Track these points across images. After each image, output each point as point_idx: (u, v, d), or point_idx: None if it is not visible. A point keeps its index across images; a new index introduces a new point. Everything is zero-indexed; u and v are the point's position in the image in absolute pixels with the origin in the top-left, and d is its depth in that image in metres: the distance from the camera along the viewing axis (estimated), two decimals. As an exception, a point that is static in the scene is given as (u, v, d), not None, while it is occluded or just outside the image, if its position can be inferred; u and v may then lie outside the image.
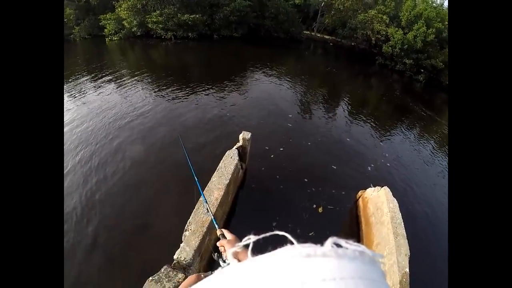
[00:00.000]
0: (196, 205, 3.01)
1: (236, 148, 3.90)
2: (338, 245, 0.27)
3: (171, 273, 2.49)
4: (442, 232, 4.83)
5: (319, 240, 0.27)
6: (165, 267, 2.53)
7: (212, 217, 1.70)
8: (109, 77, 9.85)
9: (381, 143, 7.43)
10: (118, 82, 9.40)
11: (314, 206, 4.54)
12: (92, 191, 4.47)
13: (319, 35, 24.38)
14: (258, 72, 11.98)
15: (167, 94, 8.55)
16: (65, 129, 6.30)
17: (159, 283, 2.40)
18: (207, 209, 1.73)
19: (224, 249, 1.22)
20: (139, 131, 6.28)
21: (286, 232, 0.34)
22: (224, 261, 1.30)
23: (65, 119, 6.75)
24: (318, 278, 0.22)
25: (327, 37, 23.93)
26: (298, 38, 22.10)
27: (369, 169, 5.95)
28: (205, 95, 8.66)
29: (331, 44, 22.84)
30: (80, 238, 3.69)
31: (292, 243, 0.29)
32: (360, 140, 7.17)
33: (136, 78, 9.83)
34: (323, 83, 11.94)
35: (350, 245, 0.27)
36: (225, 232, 1.30)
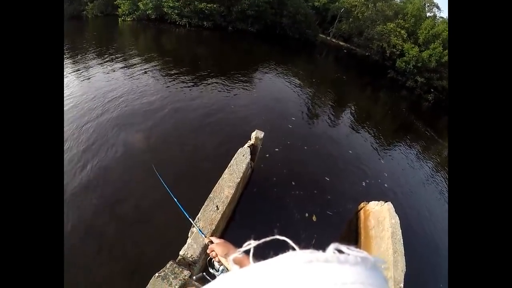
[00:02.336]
0: (206, 201, 2.97)
1: (248, 146, 3.86)
2: (340, 251, 0.27)
3: (176, 269, 2.42)
4: (432, 251, 4.86)
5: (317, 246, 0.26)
6: (170, 262, 2.47)
7: (197, 228, 1.73)
8: (117, 57, 9.79)
9: (380, 158, 7.34)
10: (126, 63, 9.32)
11: (307, 215, 4.49)
12: (92, 171, 4.47)
13: (334, 40, 24.31)
14: (268, 69, 11.91)
15: (174, 80, 8.49)
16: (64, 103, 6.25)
17: (165, 280, 2.34)
18: (191, 220, 1.71)
19: (215, 254, 1.18)
20: (142, 116, 6.24)
21: (286, 236, 0.35)
22: (216, 270, 1.29)
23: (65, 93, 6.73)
24: (321, 284, 0.22)
25: (342, 43, 23.88)
26: (312, 41, 21.98)
27: (364, 184, 5.84)
28: (211, 86, 8.60)
29: (344, 51, 22.75)
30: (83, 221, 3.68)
31: (293, 248, 0.30)
32: (360, 152, 7.07)
33: (144, 61, 9.75)
34: (331, 89, 11.81)
35: (352, 251, 0.27)
36: (213, 238, 1.28)
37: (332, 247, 0.28)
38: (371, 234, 4.15)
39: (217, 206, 2.92)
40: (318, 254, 0.26)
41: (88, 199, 3.99)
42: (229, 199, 3.06)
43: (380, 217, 4.13)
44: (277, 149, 5.91)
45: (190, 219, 1.78)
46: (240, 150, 3.71)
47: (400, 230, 3.70)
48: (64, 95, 6.84)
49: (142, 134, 5.58)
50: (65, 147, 4.92)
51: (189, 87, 8.24)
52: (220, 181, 3.21)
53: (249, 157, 3.63)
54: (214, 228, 2.79)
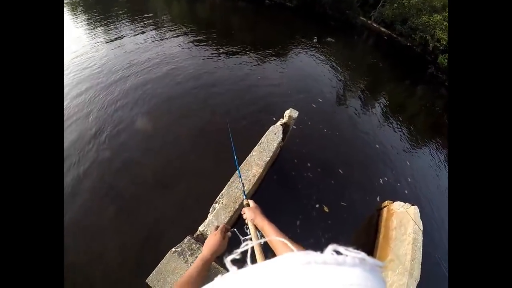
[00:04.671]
0: (232, 177, 2.79)
1: (280, 124, 3.62)
2: (338, 252, 0.27)
3: (193, 245, 2.29)
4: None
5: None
6: (188, 238, 2.34)
7: (244, 190, 1.65)
8: (148, 23, 9.64)
9: (405, 157, 6.70)
10: (157, 29, 9.18)
11: (317, 205, 4.24)
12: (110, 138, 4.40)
13: (375, 25, 22.88)
14: (302, 47, 11.35)
15: (204, 50, 8.24)
16: (91, 64, 6.30)
17: (181, 256, 2.23)
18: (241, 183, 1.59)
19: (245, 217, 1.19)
20: (169, 83, 6.12)
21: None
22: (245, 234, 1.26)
23: (93, 55, 6.76)
24: (318, 286, 0.22)
25: (383, 29, 22.43)
26: (352, 23, 20.78)
27: (381, 181, 5.38)
28: (241, 58, 8.27)
29: (385, 37, 21.33)
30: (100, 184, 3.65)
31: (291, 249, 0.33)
32: (384, 146, 6.53)
33: (176, 28, 9.56)
34: (365, 75, 11.06)
35: (350, 252, 0.27)
36: (251, 202, 1.30)
37: (330, 248, 0.28)
38: (391, 235, 3.97)
39: (243, 184, 2.73)
40: (316, 255, 0.26)
41: (111, 160, 3.97)
42: (256, 178, 2.85)
43: (404, 220, 3.93)
44: (294, 127, 5.59)
45: (240, 179, 1.72)
46: (272, 127, 3.48)
47: (422, 238, 3.50)
48: (92, 57, 6.90)
49: (166, 102, 5.49)
50: (88, 109, 4.92)
51: (219, 57, 7.98)
52: (248, 158, 3.00)
53: (281, 136, 3.39)
54: (237, 207, 2.60)
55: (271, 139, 3.29)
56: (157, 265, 2.22)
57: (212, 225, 2.48)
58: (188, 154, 4.28)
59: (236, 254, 0.40)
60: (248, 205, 1.30)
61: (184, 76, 6.54)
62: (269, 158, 3.06)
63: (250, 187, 2.80)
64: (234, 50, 8.71)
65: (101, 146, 4.28)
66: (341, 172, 5.07)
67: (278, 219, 3.51)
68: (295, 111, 3.83)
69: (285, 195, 4.07)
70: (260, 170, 2.91)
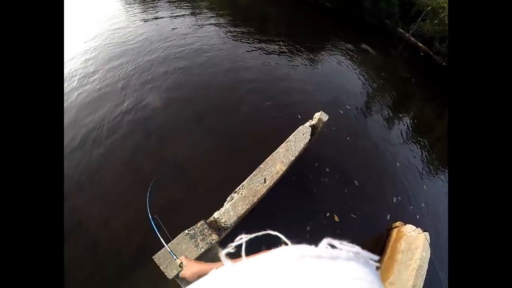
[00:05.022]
0: (255, 171, 2.74)
1: (309, 126, 3.53)
2: (333, 246, 0.27)
3: (206, 231, 2.29)
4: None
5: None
6: (201, 222, 2.34)
7: (169, 250, 1.61)
8: (187, 7, 9.58)
9: (424, 181, 6.44)
10: (196, 15, 9.11)
11: (328, 214, 4.16)
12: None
13: (412, 39, 22.13)
14: (335, 49, 11.06)
15: (240, 40, 8.13)
16: (130, 39, 6.40)
17: (193, 240, 2.23)
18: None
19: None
20: (199, 66, 6.10)
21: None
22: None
23: (133, 31, 6.86)
24: (312, 279, 0.22)
25: (420, 44, 21.68)
26: (389, 33, 20.19)
27: (394, 200, 5.19)
28: (275, 53, 8.11)
29: (421, 53, 20.73)
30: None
31: (286, 243, 0.30)
32: (403, 166, 6.28)
33: (214, 15, 9.42)
34: (396, 89, 10.70)
35: (344, 246, 0.27)
36: (183, 259, 1.18)
37: (324, 241, 0.28)
38: (397, 258, 3.88)
39: (265, 179, 2.68)
40: (311, 249, 0.26)
41: (136, 133, 4.02)
42: (279, 175, 2.81)
43: (413, 245, 3.84)
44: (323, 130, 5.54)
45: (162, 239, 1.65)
46: (301, 127, 3.40)
47: (427, 266, 3.41)
48: (132, 32, 7.00)
49: (197, 87, 5.46)
50: (121, 82, 4.99)
51: (254, 48, 7.88)
52: (274, 154, 2.95)
53: (309, 137, 3.31)
54: (255, 200, 2.58)
55: (299, 139, 3.22)
56: (166, 243, 2.24)
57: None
58: (212, 140, 4.27)
59: (231, 248, 0.38)
60: (181, 267, 1.17)
61: (218, 64, 6.48)
62: (294, 158, 3.01)
63: (272, 183, 2.73)
64: (269, 43, 8.55)
65: (127, 118, 4.32)
66: (357, 183, 4.95)
67: (289, 221, 3.47)
68: (326, 114, 3.73)
69: (300, 198, 4.02)
70: (284, 168, 2.85)
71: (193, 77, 5.70)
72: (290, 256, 0.25)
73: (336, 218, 4.21)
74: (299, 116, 5.38)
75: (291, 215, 3.60)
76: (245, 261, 0.27)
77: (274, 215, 3.52)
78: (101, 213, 3.18)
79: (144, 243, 2.94)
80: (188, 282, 1.22)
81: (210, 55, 6.72)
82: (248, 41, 8.13)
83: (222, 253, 0.35)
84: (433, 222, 5.38)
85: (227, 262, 0.31)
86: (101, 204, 3.27)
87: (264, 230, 0.39)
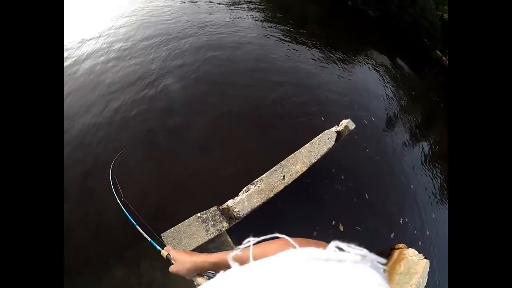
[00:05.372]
0: (276, 166, 2.70)
1: (335, 131, 3.46)
2: (341, 249, 0.28)
3: (217, 217, 2.27)
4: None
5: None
6: (214, 208, 2.32)
7: (150, 239, 1.24)
8: None
9: (436, 207, 6.35)
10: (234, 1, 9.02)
11: (333, 222, 4.09)
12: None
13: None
14: (369, 60, 10.77)
15: (277, 32, 8.02)
16: (167, 13, 6.39)
17: (204, 224, 2.21)
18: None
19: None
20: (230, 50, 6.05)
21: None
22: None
23: (171, 5, 6.85)
24: (318, 282, 0.22)
25: (455, 69, 21.13)
26: (427, 53, 19.61)
27: (401, 221, 5.06)
28: (309, 52, 7.96)
29: (454, 79, 20.20)
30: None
31: (294, 246, 0.31)
32: (417, 189, 6.08)
33: (255, 3, 9.34)
34: (424, 110, 10.37)
35: (352, 249, 0.27)
36: (169, 250, 0.96)
37: (332, 244, 0.29)
38: (394, 278, 3.82)
39: (284, 176, 2.64)
40: (318, 251, 0.26)
41: (160, 110, 4.03)
42: (298, 174, 2.76)
43: (412, 269, 3.77)
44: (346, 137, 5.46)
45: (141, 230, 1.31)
46: (327, 131, 3.32)
47: None
48: (169, 6, 7.00)
49: (230, 72, 5.44)
50: (152, 55, 5.03)
51: (288, 44, 7.75)
52: (297, 153, 2.90)
53: (333, 143, 3.24)
54: (271, 196, 2.54)
55: (323, 142, 3.15)
56: (175, 223, 2.23)
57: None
58: (236, 129, 4.24)
59: (238, 250, 0.39)
60: (169, 260, 0.95)
61: (251, 53, 6.40)
62: (315, 160, 2.96)
63: (290, 181, 2.69)
64: (304, 41, 8.40)
65: (154, 92, 4.34)
66: (367, 196, 4.88)
67: (297, 223, 3.43)
68: (353, 123, 3.65)
69: (311, 201, 3.99)
70: (304, 169, 2.81)
71: (228, 62, 5.69)
72: (297, 259, 0.25)
73: (341, 228, 4.17)
74: (322, 118, 5.31)
75: (300, 218, 3.56)
76: (254, 263, 0.27)
77: (284, 215, 3.49)
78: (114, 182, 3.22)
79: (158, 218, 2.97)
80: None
81: (246, 43, 6.66)
82: (283, 38, 7.99)
83: (230, 255, 0.36)
84: (432, 253, 5.30)
85: (234, 265, 0.31)
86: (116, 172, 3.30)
87: (272, 232, 0.39)
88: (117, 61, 4.96)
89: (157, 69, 4.81)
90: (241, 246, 0.38)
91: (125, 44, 5.41)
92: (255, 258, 0.30)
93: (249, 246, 0.36)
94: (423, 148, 8.01)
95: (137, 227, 1.30)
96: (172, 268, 0.89)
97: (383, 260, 0.27)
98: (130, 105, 4.09)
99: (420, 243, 5.19)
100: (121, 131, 3.75)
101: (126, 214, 1.39)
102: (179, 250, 0.95)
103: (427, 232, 5.52)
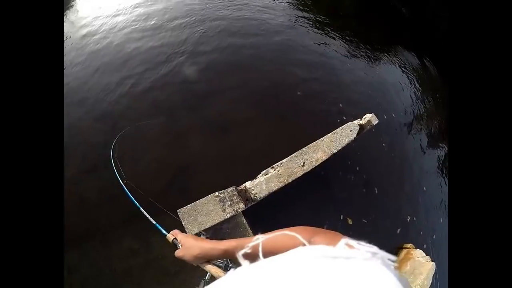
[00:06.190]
0: (297, 152, 2.65)
1: (358, 124, 3.39)
2: (351, 246, 0.28)
3: (235, 197, 2.26)
4: None
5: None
6: (232, 188, 2.31)
7: (155, 223, 1.21)
8: None
9: (446, 212, 6.46)
10: None
11: (342, 217, 4.09)
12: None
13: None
14: (396, 56, 10.33)
15: (305, 20, 7.78)
16: None
17: (221, 203, 2.21)
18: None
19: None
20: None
21: None
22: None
23: None
24: (329, 278, 0.22)
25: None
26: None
27: (408, 219, 4.97)
28: (336, 41, 7.72)
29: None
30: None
31: (303, 244, 0.33)
32: (432, 192, 5.91)
33: None
34: (446, 114, 10.33)
35: (362, 246, 0.28)
36: (177, 233, 0.92)
37: (342, 242, 0.29)
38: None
39: (304, 163, 2.61)
40: (328, 249, 0.26)
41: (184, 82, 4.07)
42: (318, 163, 2.73)
43: (417, 270, 3.77)
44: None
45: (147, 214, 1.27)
46: (350, 123, 3.26)
47: None
48: None
49: (262, 57, 5.34)
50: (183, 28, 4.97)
51: (317, 34, 7.55)
52: (319, 141, 2.86)
53: (355, 136, 3.17)
54: (289, 181, 2.52)
55: (345, 134, 3.09)
56: (188, 200, 2.23)
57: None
58: (256, 113, 4.19)
59: (247, 248, 0.39)
60: (175, 244, 0.90)
61: (278, 39, 6.24)
62: (336, 151, 2.91)
63: (309, 169, 2.68)
64: (334, 34, 8.13)
65: (181, 61, 4.31)
66: (376, 191, 4.84)
67: (308, 216, 3.41)
68: (376, 118, 3.58)
69: (323, 194, 4.00)
70: (324, 158, 2.77)
71: (251, 48, 5.55)
72: (307, 256, 0.25)
73: (350, 221, 4.15)
74: (340, 105, 5.34)
75: (311, 210, 3.58)
76: (263, 261, 0.27)
77: (295, 206, 3.47)
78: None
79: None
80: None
81: (272, 31, 6.48)
82: (313, 28, 7.74)
83: (240, 253, 0.36)
84: (435, 256, 5.28)
85: (244, 263, 0.31)
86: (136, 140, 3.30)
87: (283, 222, 0.41)
88: (146, 35, 5.01)
89: (185, 47, 4.79)
90: (250, 244, 0.39)
91: (155, 20, 5.41)
92: (264, 255, 0.31)
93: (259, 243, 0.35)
94: (441, 153, 7.83)
95: (142, 210, 1.27)
96: (178, 253, 0.85)
97: (394, 258, 0.27)
98: (152, 80, 4.10)
99: (424, 245, 5.16)
100: (140, 104, 3.78)
101: (130, 197, 1.37)
102: (186, 234, 0.91)
103: (433, 236, 5.46)
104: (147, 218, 1.22)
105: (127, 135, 3.10)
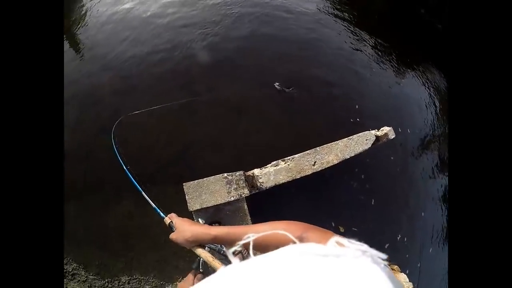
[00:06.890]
0: (310, 150, 2.64)
1: (374, 134, 3.35)
2: (341, 244, 0.28)
3: (241, 182, 2.27)
4: None
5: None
6: (240, 172, 2.31)
7: (154, 205, 1.21)
8: None
9: (439, 246, 6.32)
10: None
11: (333, 224, 4.04)
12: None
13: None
14: (422, 73, 10.09)
15: (334, 18, 7.52)
16: None
17: (228, 186, 2.22)
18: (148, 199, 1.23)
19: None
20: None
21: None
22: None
23: None
24: (319, 276, 0.22)
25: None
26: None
27: (399, 238, 4.86)
28: (362, 46, 7.43)
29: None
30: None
31: (294, 242, 0.32)
32: (428, 220, 5.75)
33: None
34: None
35: (353, 244, 0.28)
36: (173, 217, 0.94)
37: (333, 240, 0.28)
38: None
39: (315, 162, 2.60)
40: (318, 247, 0.26)
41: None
42: (329, 165, 2.73)
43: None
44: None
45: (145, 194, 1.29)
46: (366, 132, 3.22)
47: None
48: None
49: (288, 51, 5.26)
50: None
51: (347, 37, 7.33)
52: (333, 144, 2.85)
53: (370, 145, 3.15)
54: (298, 177, 2.52)
55: (361, 142, 3.06)
56: (192, 177, 2.25)
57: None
58: (273, 104, 4.20)
59: (238, 246, 0.40)
60: (171, 227, 0.93)
61: (304, 34, 6.13)
62: (348, 157, 2.90)
63: (319, 169, 2.68)
64: (361, 37, 7.90)
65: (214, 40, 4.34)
66: (372, 203, 4.81)
67: (305, 218, 3.43)
68: (393, 133, 3.52)
69: (323, 197, 4.01)
70: (336, 162, 2.76)
71: (276, 40, 5.49)
72: (297, 254, 0.25)
73: (342, 229, 4.16)
74: (360, 113, 5.27)
75: (309, 214, 3.54)
76: (253, 259, 0.27)
77: (295, 202, 3.48)
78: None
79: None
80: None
81: (300, 27, 6.36)
82: (342, 28, 7.61)
83: (230, 251, 0.36)
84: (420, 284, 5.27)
85: (234, 260, 0.31)
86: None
87: (277, 217, 0.40)
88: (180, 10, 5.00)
89: (218, 28, 4.79)
90: (241, 242, 0.39)
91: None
92: (255, 252, 0.31)
93: (249, 241, 0.36)
94: (447, 184, 7.74)
95: (142, 192, 1.28)
96: (171, 236, 0.89)
97: (384, 256, 0.27)
98: (176, 56, 4.13)
99: (407, 271, 5.12)
100: (162, 82, 3.83)
101: (131, 179, 1.36)
102: (183, 218, 0.93)
103: (418, 265, 5.41)
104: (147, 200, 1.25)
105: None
